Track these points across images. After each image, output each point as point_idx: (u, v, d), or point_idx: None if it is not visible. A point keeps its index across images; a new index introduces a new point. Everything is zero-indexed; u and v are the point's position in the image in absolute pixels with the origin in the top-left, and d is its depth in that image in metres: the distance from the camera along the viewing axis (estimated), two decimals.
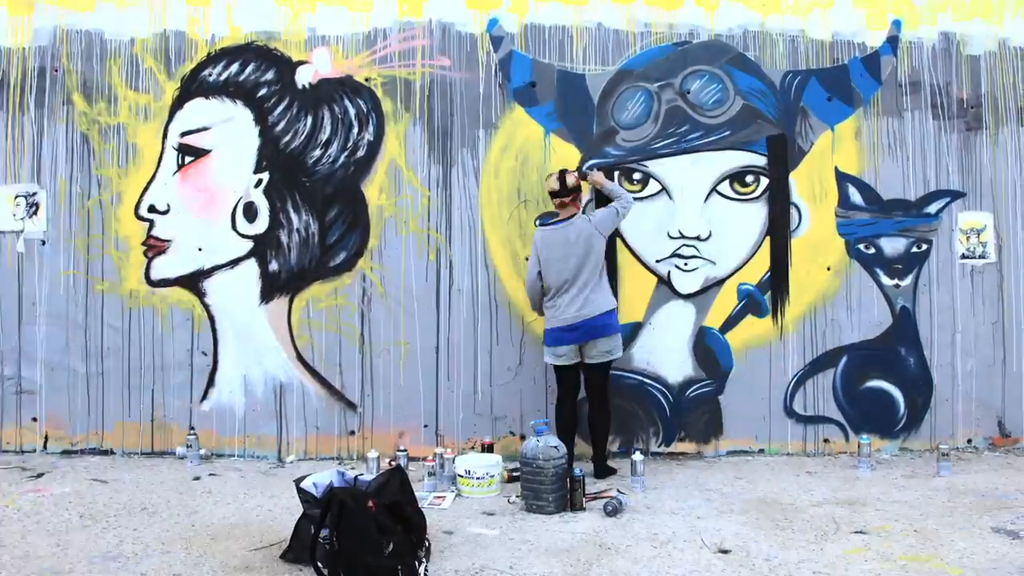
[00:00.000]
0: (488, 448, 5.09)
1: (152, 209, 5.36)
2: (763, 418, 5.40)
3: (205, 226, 5.35)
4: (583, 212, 4.97)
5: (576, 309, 4.73)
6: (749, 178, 5.40)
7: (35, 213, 5.38)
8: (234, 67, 5.36)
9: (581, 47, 5.40)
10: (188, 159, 5.37)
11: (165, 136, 5.37)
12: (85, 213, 5.40)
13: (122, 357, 5.37)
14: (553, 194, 4.91)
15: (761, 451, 5.39)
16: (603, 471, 4.86)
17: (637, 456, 4.56)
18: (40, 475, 4.87)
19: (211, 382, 5.36)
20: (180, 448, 5.27)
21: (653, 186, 5.35)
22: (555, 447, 4.22)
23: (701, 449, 5.38)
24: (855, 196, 5.44)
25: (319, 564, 3.09)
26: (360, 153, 5.36)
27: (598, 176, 5.09)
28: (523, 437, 5.21)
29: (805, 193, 5.42)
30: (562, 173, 4.88)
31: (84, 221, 5.40)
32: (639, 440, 5.32)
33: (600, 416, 4.88)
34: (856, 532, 3.80)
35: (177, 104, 5.37)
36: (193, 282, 5.36)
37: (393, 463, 5.11)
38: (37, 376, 5.39)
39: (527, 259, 5.33)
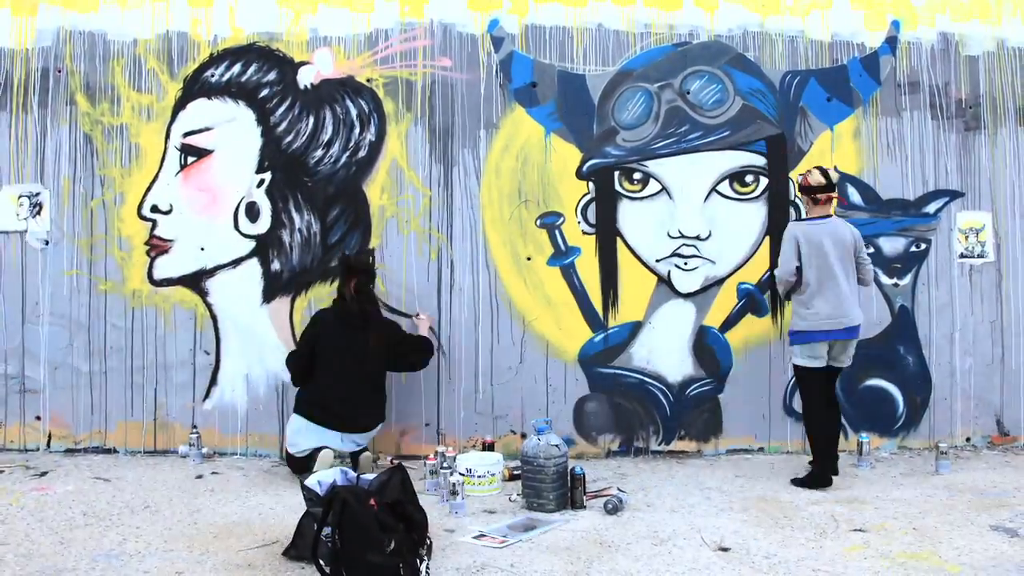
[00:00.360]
0: (489, 447, 5.09)
1: (155, 209, 5.36)
2: (763, 417, 5.40)
3: (207, 226, 5.35)
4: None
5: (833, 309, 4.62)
6: (749, 178, 5.40)
7: (38, 213, 5.38)
8: (236, 68, 5.36)
9: (581, 48, 5.39)
10: (191, 159, 5.37)
11: (168, 136, 5.37)
12: (88, 213, 5.40)
13: (125, 356, 5.37)
14: (820, 188, 4.68)
15: (761, 449, 5.39)
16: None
17: None
18: (43, 473, 4.87)
19: (213, 381, 5.36)
20: (183, 447, 5.27)
21: (653, 186, 5.34)
22: (556, 446, 4.22)
23: (701, 447, 5.38)
24: (854, 196, 5.44)
25: (321, 562, 3.09)
26: (362, 153, 5.36)
27: None
28: (524, 436, 5.21)
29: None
30: (824, 169, 4.72)
31: (87, 221, 5.40)
32: (639, 438, 5.32)
33: (839, 415, 4.89)
34: (855, 530, 3.80)
35: (180, 104, 5.37)
36: (196, 281, 5.36)
37: (394, 462, 5.12)
38: (41, 375, 5.39)
39: (528, 258, 5.33)
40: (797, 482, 4.63)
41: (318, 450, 4.62)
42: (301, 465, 4.63)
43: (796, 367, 4.81)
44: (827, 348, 4.68)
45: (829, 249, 4.64)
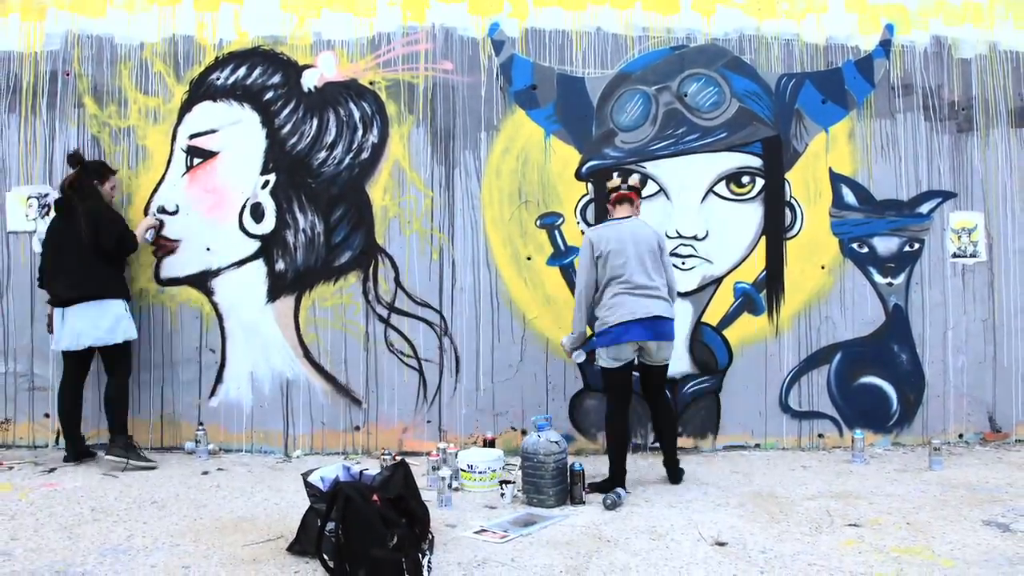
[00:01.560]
0: (490, 443, 5.08)
1: (162, 210, 5.36)
2: (759, 414, 5.40)
3: (213, 226, 5.35)
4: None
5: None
6: (745, 179, 5.40)
7: (47, 214, 5.37)
8: (241, 71, 5.36)
9: (580, 51, 5.39)
10: (197, 161, 5.37)
11: (174, 138, 5.37)
12: None
13: (132, 354, 5.36)
14: (612, 190, 4.63)
15: (757, 446, 5.39)
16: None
17: None
18: (52, 470, 4.87)
19: (219, 379, 5.35)
20: (189, 443, 5.27)
21: (651, 187, 5.34)
22: (555, 442, 4.22)
23: (698, 444, 5.37)
24: (848, 196, 5.44)
25: (324, 556, 3.08)
26: (365, 155, 5.36)
27: None
28: (524, 432, 5.21)
29: (800, 193, 5.41)
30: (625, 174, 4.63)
31: None
32: (637, 435, 5.32)
33: (669, 416, 4.69)
34: (850, 525, 3.79)
35: (186, 107, 5.37)
36: (202, 281, 5.35)
37: (397, 458, 5.11)
38: (49, 373, 5.39)
39: (528, 258, 5.33)
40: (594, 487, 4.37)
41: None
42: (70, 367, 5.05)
43: (602, 369, 4.55)
44: (634, 347, 4.41)
45: (627, 248, 4.40)
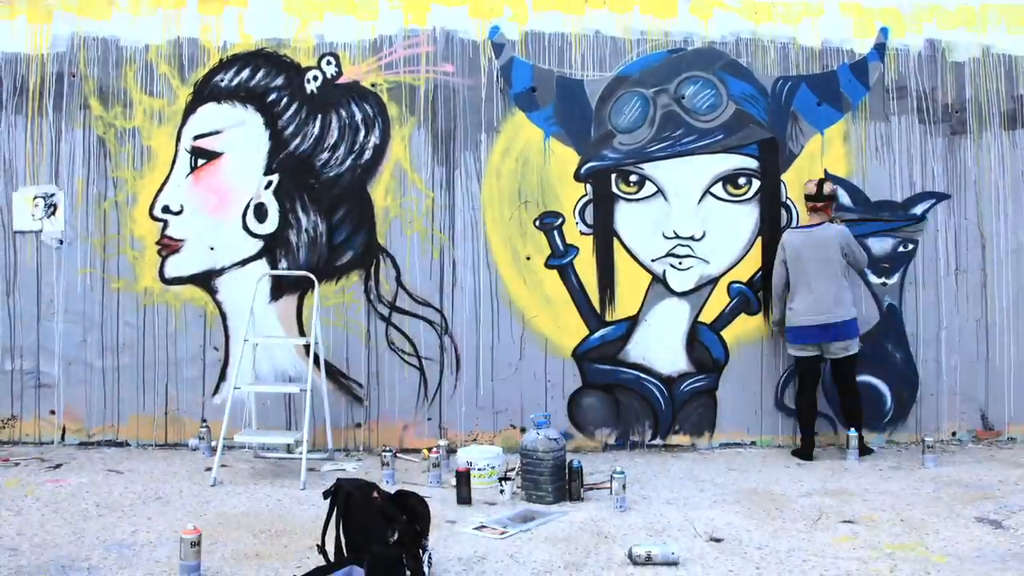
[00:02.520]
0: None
1: (166, 210, 5.36)
2: (755, 412, 5.40)
3: (217, 226, 5.34)
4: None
5: (819, 310, 4.99)
6: (741, 180, 5.40)
7: (53, 213, 5.37)
8: (245, 73, 5.36)
9: (579, 54, 5.39)
10: (201, 161, 5.36)
11: (179, 139, 5.36)
12: (101, 213, 5.40)
13: (137, 352, 5.37)
14: (808, 198, 5.16)
15: (753, 443, 5.39)
16: None
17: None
18: (58, 466, 4.87)
19: (222, 376, 5.35)
20: (192, 440, 5.26)
21: (649, 188, 5.34)
22: (554, 440, 4.22)
23: (695, 441, 5.37)
24: (844, 197, 5.43)
25: (326, 552, 3.08)
26: (366, 156, 5.36)
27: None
28: (523, 430, 5.20)
29: (796, 195, 5.41)
30: (821, 181, 5.13)
31: (100, 221, 5.39)
32: (635, 433, 5.32)
33: (853, 399, 5.11)
34: (844, 521, 3.79)
35: (190, 108, 5.37)
36: (205, 280, 5.35)
37: (398, 455, 5.12)
38: (55, 371, 5.39)
39: (527, 258, 5.33)
40: (796, 453, 5.11)
41: None
42: None
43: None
44: (816, 344, 5.02)
45: (807, 255, 5.01)
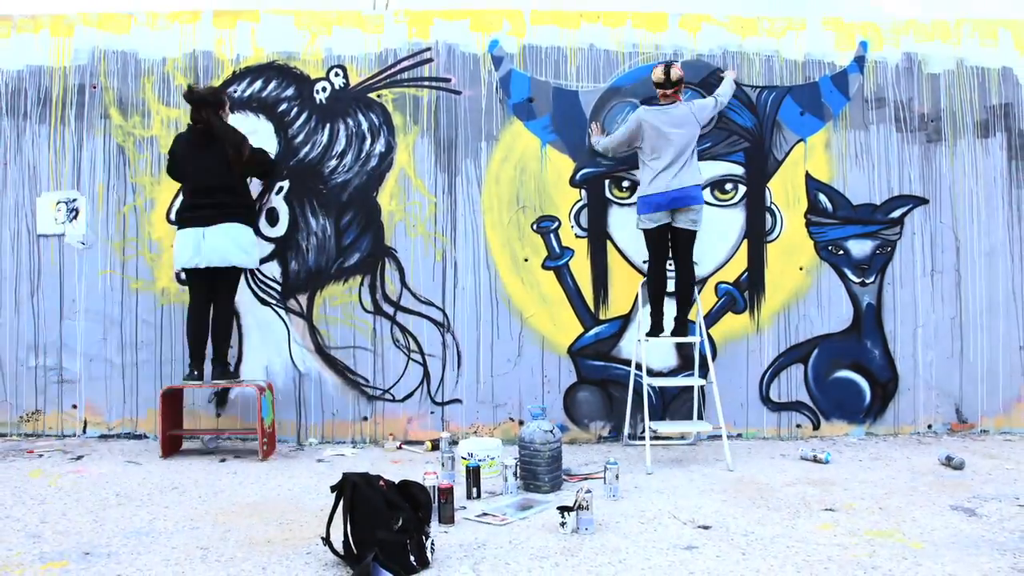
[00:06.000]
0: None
1: None
2: (741, 405, 5.40)
3: None
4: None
5: (669, 180, 4.82)
6: (728, 186, 5.40)
7: (75, 218, 5.37)
8: (257, 84, 5.36)
9: (575, 66, 5.39)
10: None
11: None
12: (121, 218, 5.39)
13: (154, 349, 5.36)
14: (658, 85, 4.96)
15: (739, 435, 5.39)
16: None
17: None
18: (79, 457, 4.86)
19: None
20: (207, 437, 5.25)
21: None
22: (550, 431, 4.21)
23: (684, 433, 5.36)
24: (825, 202, 5.43)
25: (332, 542, 3.08)
26: (372, 163, 5.35)
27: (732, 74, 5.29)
28: (521, 423, 5.20)
29: (780, 199, 5.41)
30: (667, 65, 4.96)
31: (120, 225, 5.39)
32: (627, 425, 5.31)
33: (687, 280, 5.01)
34: (826, 510, 3.79)
35: None
36: None
37: (400, 447, 5.11)
38: (77, 367, 5.38)
39: (525, 260, 5.33)
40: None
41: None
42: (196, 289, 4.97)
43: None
44: (667, 213, 4.88)
45: (668, 131, 4.85)
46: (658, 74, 4.95)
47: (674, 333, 5.04)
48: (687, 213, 4.88)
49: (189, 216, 4.91)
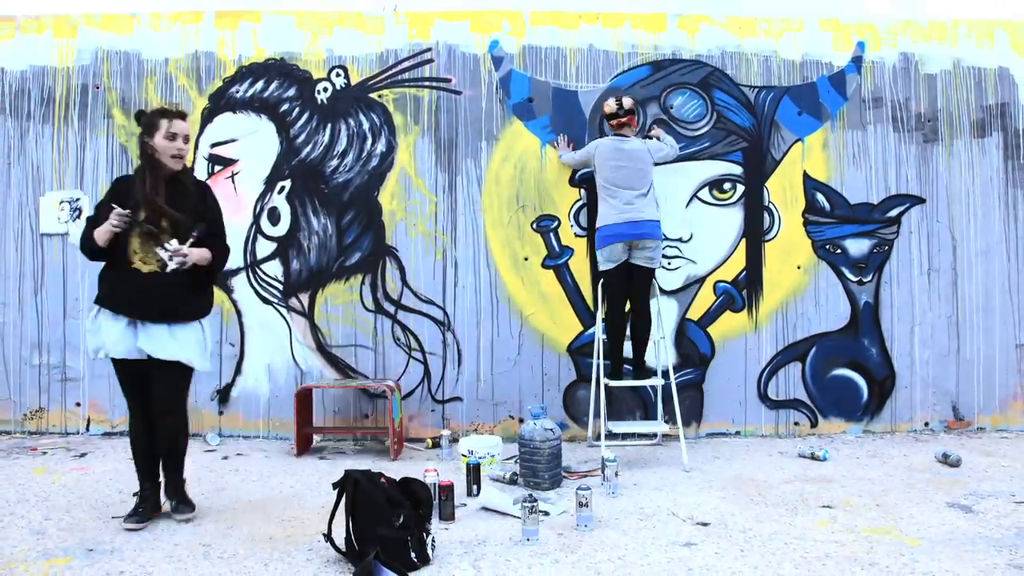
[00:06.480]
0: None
1: None
2: (739, 403, 5.40)
3: (232, 229, 5.32)
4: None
5: (627, 211, 4.78)
6: (727, 185, 5.40)
7: (78, 217, 5.37)
8: (259, 84, 5.36)
9: (574, 66, 5.38)
10: (217, 168, 5.36)
11: (196, 147, 5.36)
12: None
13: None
14: (610, 116, 4.95)
15: (737, 433, 5.39)
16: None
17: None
18: (83, 455, 4.87)
19: (238, 370, 5.35)
20: (211, 434, 5.26)
21: None
22: (550, 429, 4.21)
23: (683, 431, 5.36)
24: (823, 201, 5.43)
25: (333, 538, 3.08)
26: (373, 163, 5.35)
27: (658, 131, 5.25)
28: (521, 420, 5.21)
29: (778, 199, 5.41)
30: (619, 97, 4.96)
31: None
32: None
33: (643, 320, 4.92)
34: (823, 506, 3.79)
35: (207, 118, 5.37)
36: (222, 280, 5.34)
37: (404, 445, 5.10)
38: (80, 365, 5.38)
39: (525, 259, 5.33)
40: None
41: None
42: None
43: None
44: (624, 248, 4.79)
45: (624, 164, 4.81)
46: (611, 106, 4.94)
47: (634, 374, 4.95)
48: (644, 250, 4.80)
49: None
